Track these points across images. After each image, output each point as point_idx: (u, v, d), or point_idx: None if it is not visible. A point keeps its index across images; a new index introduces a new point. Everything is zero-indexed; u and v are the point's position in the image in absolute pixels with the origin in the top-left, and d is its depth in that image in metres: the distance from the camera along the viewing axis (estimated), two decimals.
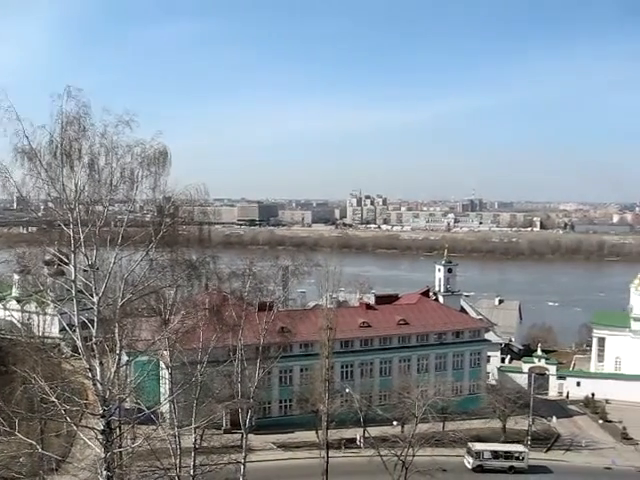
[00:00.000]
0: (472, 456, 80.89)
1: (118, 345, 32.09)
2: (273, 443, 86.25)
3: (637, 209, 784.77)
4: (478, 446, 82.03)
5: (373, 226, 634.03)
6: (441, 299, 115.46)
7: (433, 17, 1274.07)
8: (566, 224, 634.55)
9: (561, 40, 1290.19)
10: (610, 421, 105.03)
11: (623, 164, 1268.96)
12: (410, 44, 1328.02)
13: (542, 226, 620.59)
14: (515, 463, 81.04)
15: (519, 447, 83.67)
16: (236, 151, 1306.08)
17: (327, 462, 71.08)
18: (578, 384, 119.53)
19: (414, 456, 66.05)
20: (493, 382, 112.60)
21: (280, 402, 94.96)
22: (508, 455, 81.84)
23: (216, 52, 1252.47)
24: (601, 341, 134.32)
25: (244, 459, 63.28)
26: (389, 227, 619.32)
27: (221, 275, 62.91)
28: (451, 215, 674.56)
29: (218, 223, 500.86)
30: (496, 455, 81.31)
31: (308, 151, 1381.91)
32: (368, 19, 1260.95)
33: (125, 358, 36.31)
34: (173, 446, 46.84)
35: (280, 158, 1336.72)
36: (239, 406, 70.74)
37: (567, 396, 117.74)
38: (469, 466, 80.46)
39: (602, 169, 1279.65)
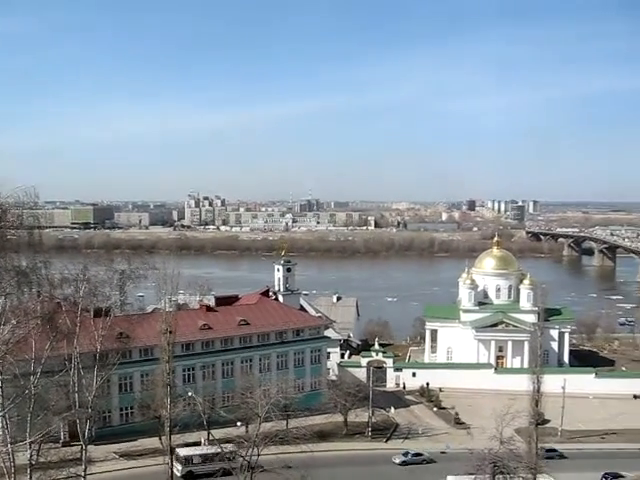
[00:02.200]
0: (181, 463, 76.34)
1: None
2: (115, 453, 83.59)
3: (463, 207, 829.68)
4: (186, 451, 77.75)
5: (212, 227, 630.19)
6: (281, 298, 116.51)
7: (273, 20, 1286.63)
8: (399, 222, 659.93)
9: (396, 46, 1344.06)
10: (444, 408, 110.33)
11: (450, 165, 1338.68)
12: (249, 47, 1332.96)
13: (377, 225, 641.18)
14: (226, 464, 75.70)
15: (229, 447, 77.83)
16: (70, 152, 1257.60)
17: (171, 468, 69.99)
18: (414, 375, 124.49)
19: (259, 455, 66.25)
20: (334, 377, 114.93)
21: (121, 410, 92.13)
22: (218, 456, 76.91)
23: (45, 49, 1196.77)
24: (434, 333, 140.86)
25: (84, 472, 61.19)
26: (228, 228, 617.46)
27: (53, 281, 60.40)
28: (289, 215, 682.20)
29: (50, 227, 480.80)
30: (206, 458, 77.60)
31: (145, 151, 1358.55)
32: (213, 17, 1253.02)
33: None
34: (7, 464, 44.50)
35: (116, 159, 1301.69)
36: (77, 417, 68.19)
37: (404, 387, 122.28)
38: (178, 474, 75.46)
39: (431, 170, 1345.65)
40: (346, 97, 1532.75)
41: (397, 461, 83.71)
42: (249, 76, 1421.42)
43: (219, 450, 75.46)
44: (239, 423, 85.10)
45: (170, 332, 72.48)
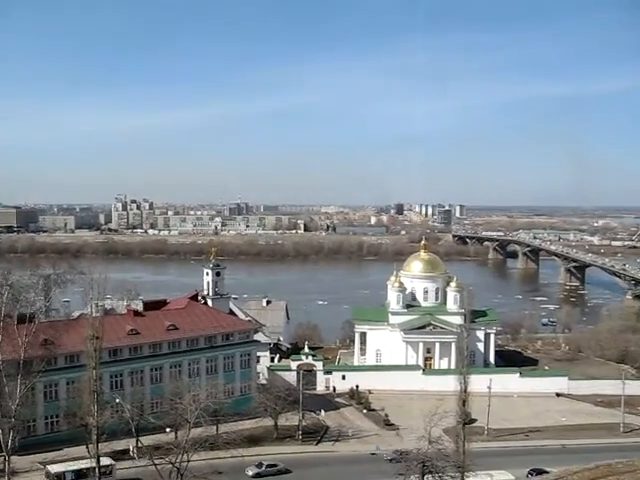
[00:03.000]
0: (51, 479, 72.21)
1: None
2: (40, 463, 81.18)
3: (392, 211, 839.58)
4: (57, 467, 73.44)
5: (140, 231, 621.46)
6: (210, 302, 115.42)
7: (198, 20, 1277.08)
8: (328, 226, 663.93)
9: (326, 48, 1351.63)
10: (373, 410, 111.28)
11: (379, 170, 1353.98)
12: (173, 47, 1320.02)
13: (306, 228, 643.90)
14: (103, 479, 73.01)
15: (105, 460, 74.90)
16: None
17: (99, 477, 68.78)
18: (343, 377, 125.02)
19: (189, 461, 65.71)
20: (264, 381, 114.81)
21: (46, 419, 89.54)
22: (94, 472, 72.55)
23: None
24: (363, 335, 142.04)
25: None
26: (156, 232, 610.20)
27: None
28: (218, 219, 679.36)
29: None
30: (80, 474, 72.97)
31: (71, 154, 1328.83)
32: (136, 17, 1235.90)
33: None
34: None
35: (40, 161, 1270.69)
36: (0, 427, 66.48)
37: (334, 389, 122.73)
38: None
39: (360, 174, 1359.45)
40: (275, 99, 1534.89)
41: (250, 473, 79.33)
42: (176, 77, 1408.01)
43: (93, 465, 73.25)
44: (168, 429, 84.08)
45: (97, 338, 71.27)
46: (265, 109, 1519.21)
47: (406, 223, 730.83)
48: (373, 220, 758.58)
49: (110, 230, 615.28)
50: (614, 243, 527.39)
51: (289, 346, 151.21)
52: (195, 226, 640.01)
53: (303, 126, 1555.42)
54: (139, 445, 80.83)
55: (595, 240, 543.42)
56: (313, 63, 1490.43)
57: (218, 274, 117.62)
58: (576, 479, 49.99)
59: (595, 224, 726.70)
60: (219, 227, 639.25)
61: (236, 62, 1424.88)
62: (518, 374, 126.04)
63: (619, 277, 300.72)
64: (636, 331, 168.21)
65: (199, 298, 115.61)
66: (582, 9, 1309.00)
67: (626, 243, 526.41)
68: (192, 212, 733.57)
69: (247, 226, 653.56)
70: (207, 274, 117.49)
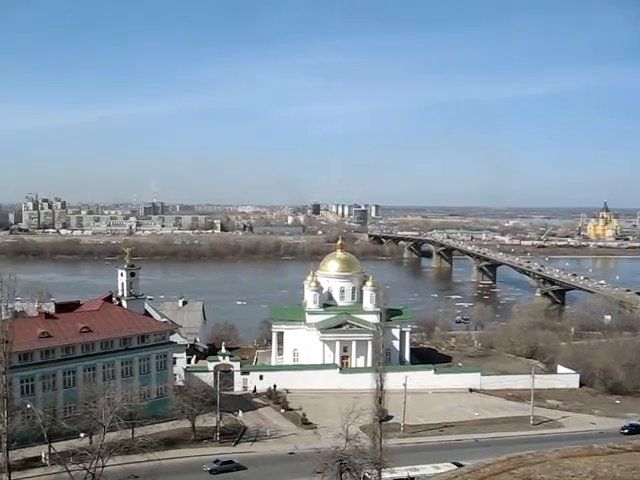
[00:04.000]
0: None
1: None
2: None
3: (308, 211, 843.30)
4: None
5: (52, 231, 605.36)
6: (125, 304, 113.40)
7: (120, 17, 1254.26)
8: (245, 226, 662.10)
9: (245, 49, 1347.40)
10: (291, 409, 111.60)
11: (296, 170, 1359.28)
12: (93, 44, 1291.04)
13: (223, 228, 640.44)
14: None
15: None
16: None
17: None
18: (261, 377, 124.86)
19: (104, 467, 64.52)
20: (180, 383, 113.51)
21: None
22: None
23: None
24: (280, 335, 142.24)
25: None
26: (69, 232, 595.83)
27: None
28: (133, 218, 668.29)
29: None
30: None
31: None
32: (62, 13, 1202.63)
33: None
34: None
35: None
36: None
37: (254, 390, 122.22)
38: None
39: (277, 174, 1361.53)
40: (193, 99, 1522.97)
41: None
42: (90, 74, 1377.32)
43: None
44: (82, 434, 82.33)
45: (6, 342, 69.30)
46: (183, 109, 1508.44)
47: (323, 223, 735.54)
48: (290, 220, 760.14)
49: (20, 230, 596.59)
50: (524, 242, 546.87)
51: (206, 347, 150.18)
52: (109, 226, 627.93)
53: (221, 126, 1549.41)
54: (52, 451, 78.78)
55: (506, 240, 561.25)
56: (232, 64, 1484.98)
57: (133, 275, 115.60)
58: (489, 471, 51.46)
59: (506, 224, 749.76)
60: (134, 227, 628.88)
61: (153, 61, 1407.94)
62: (433, 371, 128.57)
63: (529, 275, 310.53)
64: (545, 327, 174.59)
65: (113, 299, 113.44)
66: (503, 13, 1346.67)
67: (535, 242, 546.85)
68: (106, 212, 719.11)
69: (163, 226, 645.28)
70: (121, 275, 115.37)
